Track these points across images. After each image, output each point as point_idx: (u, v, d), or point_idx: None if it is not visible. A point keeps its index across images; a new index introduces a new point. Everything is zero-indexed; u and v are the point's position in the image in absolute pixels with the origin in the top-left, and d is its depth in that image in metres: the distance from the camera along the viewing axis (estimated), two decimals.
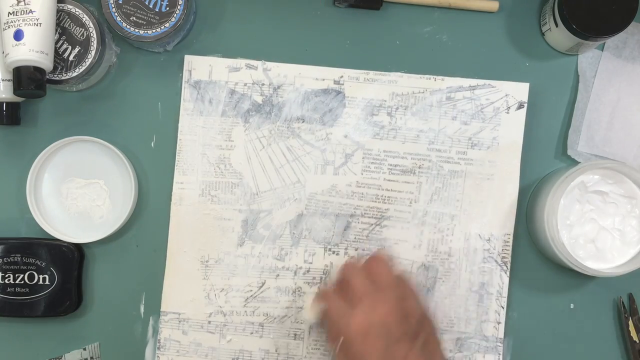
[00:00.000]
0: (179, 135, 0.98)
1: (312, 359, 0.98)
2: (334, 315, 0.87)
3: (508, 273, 0.98)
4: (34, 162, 0.95)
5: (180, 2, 0.92)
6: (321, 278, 0.98)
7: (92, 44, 0.93)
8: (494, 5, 0.99)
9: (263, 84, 0.98)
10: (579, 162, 0.98)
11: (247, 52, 0.99)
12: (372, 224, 0.98)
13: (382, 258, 0.90)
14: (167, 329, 0.98)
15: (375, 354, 0.81)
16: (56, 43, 0.93)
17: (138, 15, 0.92)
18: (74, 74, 0.93)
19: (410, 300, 0.86)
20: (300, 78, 0.98)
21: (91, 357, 0.99)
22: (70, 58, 0.93)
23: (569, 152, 0.99)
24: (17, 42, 0.88)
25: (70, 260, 0.96)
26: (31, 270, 0.96)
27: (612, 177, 0.96)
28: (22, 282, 0.96)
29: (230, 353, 0.98)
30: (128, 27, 0.92)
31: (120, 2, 0.92)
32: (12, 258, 0.96)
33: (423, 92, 0.98)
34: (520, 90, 0.98)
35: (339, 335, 0.84)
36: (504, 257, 0.98)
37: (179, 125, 0.98)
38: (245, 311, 0.98)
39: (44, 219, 0.96)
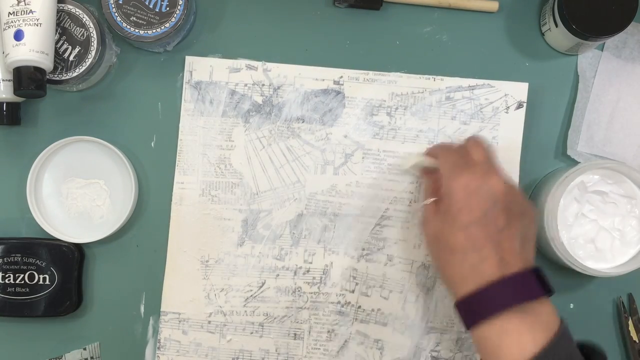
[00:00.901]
0: (179, 135, 0.98)
1: (312, 359, 0.98)
2: (447, 166, 0.87)
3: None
4: (34, 162, 0.95)
5: (181, 2, 0.92)
6: (321, 278, 0.98)
7: (92, 44, 0.93)
8: (494, 5, 0.99)
9: (263, 85, 0.98)
10: (579, 162, 0.98)
11: (247, 52, 0.99)
12: (372, 224, 0.98)
13: (482, 144, 0.90)
14: (167, 329, 0.98)
15: (475, 213, 0.82)
16: (56, 43, 0.93)
17: (138, 15, 0.92)
18: (74, 74, 0.93)
19: (516, 189, 0.87)
20: (300, 78, 0.98)
21: (91, 357, 0.99)
22: (71, 58, 0.93)
23: (569, 152, 0.99)
24: (18, 42, 0.88)
25: (70, 260, 0.96)
26: (31, 270, 0.96)
27: (612, 177, 0.96)
28: (23, 282, 0.96)
29: (230, 353, 0.98)
30: (128, 27, 0.92)
31: (121, 2, 0.92)
32: (12, 258, 0.96)
33: (422, 92, 0.98)
34: (519, 90, 0.98)
35: (441, 190, 0.86)
36: None
37: (180, 125, 0.98)
38: (245, 311, 0.98)
39: (44, 219, 0.96)
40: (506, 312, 0.79)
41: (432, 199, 0.89)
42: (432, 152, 0.94)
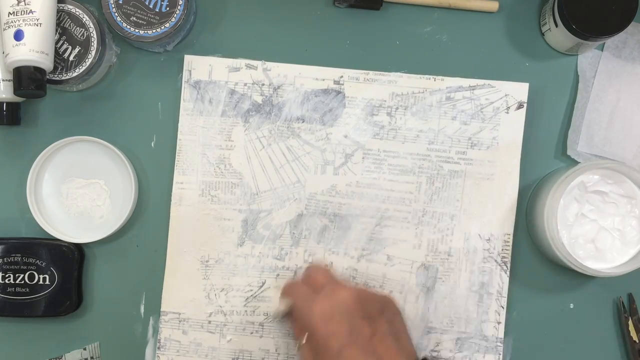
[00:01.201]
0: (178, 135, 0.98)
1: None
2: (298, 303, 0.87)
3: (508, 273, 0.98)
4: (34, 162, 0.95)
5: (181, 2, 0.92)
6: None
7: (92, 44, 0.93)
8: (494, 5, 0.99)
9: (263, 84, 0.98)
10: (579, 162, 0.98)
11: (247, 52, 0.99)
12: (372, 224, 0.98)
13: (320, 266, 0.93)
14: (167, 329, 0.98)
15: (340, 335, 0.80)
16: (56, 43, 0.93)
17: (138, 15, 0.92)
18: (74, 74, 0.93)
19: (368, 290, 0.87)
20: (300, 78, 0.98)
21: (91, 357, 0.99)
22: (71, 58, 0.93)
23: (569, 152, 0.99)
24: (18, 42, 0.88)
25: (70, 260, 0.96)
26: (31, 270, 0.96)
27: (612, 177, 0.96)
28: (23, 282, 0.96)
29: (230, 353, 0.98)
30: (128, 27, 0.92)
31: (121, 2, 0.92)
32: (12, 258, 0.96)
33: (423, 92, 0.98)
34: (519, 90, 0.98)
35: (304, 326, 0.84)
36: (503, 257, 0.98)
37: (179, 125, 0.98)
38: (246, 311, 0.98)
39: (44, 219, 0.96)
40: None
41: (304, 337, 0.84)
42: (285, 293, 0.93)
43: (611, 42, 1.00)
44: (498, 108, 0.98)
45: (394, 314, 0.85)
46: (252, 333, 0.98)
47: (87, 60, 0.93)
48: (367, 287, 0.90)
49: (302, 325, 0.85)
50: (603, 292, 1.00)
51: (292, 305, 0.89)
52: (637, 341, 0.98)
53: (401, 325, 0.85)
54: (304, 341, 0.84)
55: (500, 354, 0.98)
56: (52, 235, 0.96)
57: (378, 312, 0.83)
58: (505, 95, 0.98)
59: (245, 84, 0.98)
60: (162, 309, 0.98)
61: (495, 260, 0.98)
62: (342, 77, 0.98)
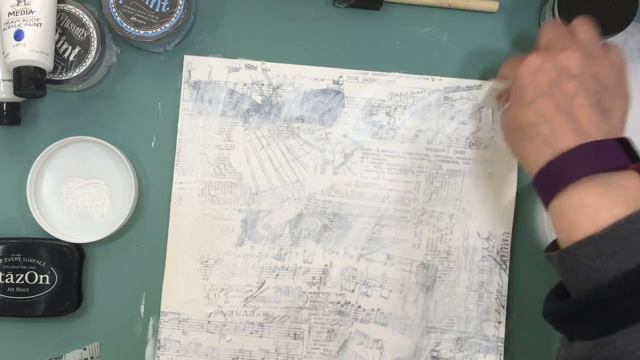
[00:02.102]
0: (178, 135, 0.98)
1: (312, 358, 0.98)
2: (510, 67, 0.84)
3: (507, 271, 0.98)
4: (34, 162, 0.95)
5: (181, 2, 0.92)
6: (321, 278, 0.98)
7: (92, 44, 0.93)
8: (494, 5, 0.99)
9: (262, 84, 0.98)
10: None
11: (248, 52, 0.99)
12: (371, 223, 0.98)
13: (589, 22, 0.84)
14: (167, 329, 0.98)
15: (540, 86, 0.77)
16: (56, 43, 0.93)
17: (138, 15, 0.93)
18: (74, 74, 0.93)
19: (605, 62, 0.80)
20: (300, 78, 0.98)
21: (91, 357, 0.99)
22: (71, 58, 0.93)
23: None
24: (17, 42, 0.88)
25: (70, 260, 0.96)
26: (31, 270, 0.96)
27: None
28: (22, 282, 0.96)
29: (230, 353, 0.98)
30: (128, 27, 0.93)
31: (121, 2, 0.92)
32: (12, 258, 0.96)
33: (421, 92, 0.98)
34: None
35: (512, 83, 0.81)
36: (502, 256, 0.98)
37: (179, 125, 0.98)
38: (245, 311, 0.98)
39: (44, 219, 0.96)
40: (584, 182, 0.72)
41: (507, 104, 0.83)
42: (504, 66, 0.92)
43: (611, 42, 0.99)
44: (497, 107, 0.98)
45: (616, 94, 0.80)
46: (251, 333, 0.98)
47: (87, 60, 0.93)
48: (619, 55, 0.82)
49: (511, 83, 0.82)
50: None
51: (508, 72, 0.86)
52: None
53: (620, 106, 0.80)
54: (507, 106, 0.82)
55: (501, 354, 0.98)
56: (52, 235, 0.96)
57: (597, 84, 0.78)
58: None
59: (244, 84, 0.98)
60: (161, 309, 0.98)
61: (495, 259, 0.98)
62: (341, 77, 0.98)
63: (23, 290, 0.96)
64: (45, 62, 0.89)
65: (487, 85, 0.97)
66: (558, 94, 0.77)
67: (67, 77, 0.93)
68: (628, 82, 0.82)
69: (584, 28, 0.83)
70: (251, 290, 0.98)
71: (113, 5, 0.93)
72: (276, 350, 0.98)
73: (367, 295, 0.98)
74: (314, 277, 0.98)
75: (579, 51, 0.79)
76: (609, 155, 0.73)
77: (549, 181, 0.75)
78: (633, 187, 0.72)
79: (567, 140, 0.75)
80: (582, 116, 0.76)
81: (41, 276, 0.96)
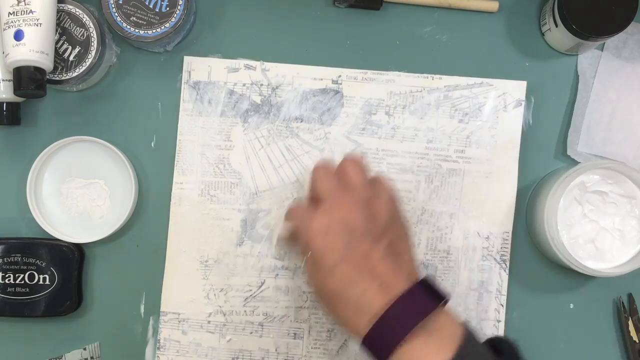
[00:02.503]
0: (178, 135, 0.98)
1: (312, 358, 0.98)
2: (298, 222, 0.84)
3: (507, 271, 0.98)
4: (34, 162, 0.96)
5: (181, 2, 0.93)
6: None
7: (92, 44, 0.93)
8: (494, 5, 0.99)
9: (262, 84, 0.98)
10: (579, 162, 0.98)
11: (248, 53, 0.99)
12: None
13: (355, 159, 0.86)
14: (167, 329, 0.98)
15: (336, 250, 0.78)
16: (56, 43, 0.93)
17: (138, 15, 0.93)
18: (74, 74, 0.93)
19: (380, 201, 0.82)
20: (299, 78, 0.98)
21: (91, 357, 0.99)
22: (71, 58, 0.93)
23: (569, 152, 0.99)
24: (18, 42, 0.88)
25: (70, 260, 0.96)
26: (31, 270, 0.96)
27: (612, 177, 0.96)
28: (23, 282, 0.96)
29: (230, 353, 0.98)
30: (128, 27, 0.93)
31: (121, 2, 0.93)
32: (12, 258, 0.96)
33: (421, 91, 0.98)
34: (517, 88, 0.98)
35: (304, 245, 0.81)
36: (502, 255, 0.98)
37: (178, 125, 0.98)
38: (245, 311, 0.98)
39: (44, 219, 0.96)
40: (407, 339, 0.74)
41: (305, 257, 0.82)
42: (287, 216, 0.92)
43: (611, 42, 0.99)
44: (496, 106, 0.98)
45: (399, 235, 0.83)
46: (251, 333, 0.98)
47: (87, 60, 0.93)
48: (385, 184, 0.85)
49: (303, 245, 0.82)
50: (603, 292, 0.99)
51: (294, 227, 0.87)
52: (637, 341, 0.97)
53: (405, 244, 0.83)
54: (304, 262, 0.81)
55: None
56: (52, 235, 0.96)
57: (381, 231, 0.80)
58: (504, 93, 0.98)
59: (244, 85, 0.98)
60: (161, 309, 0.98)
61: (494, 259, 0.98)
62: (340, 76, 0.98)
63: (23, 290, 0.96)
64: (45, 62, 0.90)
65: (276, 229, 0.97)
66: (354, 256, 0.78)
67: (67, 77, 0.93)
68: (401, 210, 0.86)
69: (354, 172, 0.84)
70: (251, 290, 0.98)
71: (113, 5, 0.93)
72: (276, 350, 0.98)
73: None
74: None
75: (358, 206, 0.81)
76: (419, 306, 0.76)
77: (376, 348, 0.77)
78: (448, 326, 0.76)
79: (377, 300, 0.76)
80: (382, 271, 0.78)
81: (41, 276, 0.96)
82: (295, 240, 0.90)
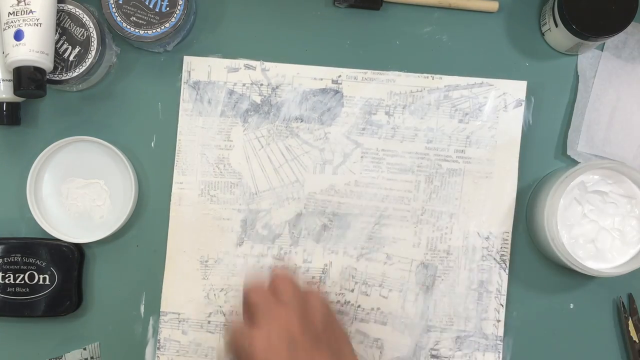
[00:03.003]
0: (178, 135, 0.98)
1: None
2: (236, 340, 0.83)
3: (507, 271, 0.98)
4: (34, 162, 0.96)
5: (181, 2, 0.93)
6: (320, 277, 0.98)
7: (92, 44, 0.93)
8: (494, 5, 0.99)
9: (261, 84, 0.98)
10: (579, 162, 0.98)
11: (248, 53, 0.99)
12: (371, 223, 0.98)
13: (285, 274, 0.87)
14: (167, 329, 0.98)
15: (281, 357, 0.78)
16: (56, 43, 0.93)
17: (138, 15, 0.93)
18: (74, 74, 0.93)
19: (314, 309, 0.83)
20: (299, 78, 0.98)
21: (91, 357, 0.99)
22: (71, 58, 0.93)
23: (569, 152, 0.99)
24: (18, 42, 0.88)
25: (70, 260, 0.96)
26: (31, 270, 0.96)
27: (612, 177, 0.96)
28: (22, 282, 0.96)
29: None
30: (128, 27, 0.93)
31: (121, 2, 0.93)
32: (12, 258, 0.96)
33: (421, 91, 0.98)
34: (517, 88, 0.98)
35: None
36: (502, 255, 0.98)
37: (178, 125, 0.98)
38: None
39: (44, 219, 0.96)
40: None
41: None
42: (227, 330, 0.90)
43: (611, 42, 0.99)
44: (496, 106, 0.98)
45: (339, 338, 0.84)
46: None
47: (87, 60, 0.93)
48: (315, 293, 0.86)
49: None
50: (603, 292, 0.99)
51: (234, 346, 0.84)
52: (637, 341, 0.97)
53: (347, 348, 0.84)
54: None
55: (500, 352, 0.98)
56: (52, 235, 0.96)
57: (320, 334, 0.81)
58: (504, 93, 0.98)
59: (244, 84, 0.98)
60: (161, 309, 0.98)
61: (494, 259, 0.98)
62: (340, 76, 0.98)
63: (23, 290, 0.96)
64: (45, 62, 0.90)
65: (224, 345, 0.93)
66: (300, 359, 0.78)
67: (67, 77, 0.93)
68: (337, 316, 0.88)
69: (285, 285, 0.84)
70: None
71: (113, 5, 0.93)
72: None
73: (367, 295, 0.98)
74: (313, 277, 0.98)
75: (295, 314, 0.81)
76: None
77: None
78: None
79: None
80: None
81: (41, 276, 0.96)
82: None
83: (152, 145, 0.99)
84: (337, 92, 0.98)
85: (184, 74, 0.98)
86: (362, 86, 0.98)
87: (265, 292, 0.85)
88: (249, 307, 0.84)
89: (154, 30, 0.93)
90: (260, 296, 0.84)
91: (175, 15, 0.93)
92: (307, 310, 0.83)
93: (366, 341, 0.98)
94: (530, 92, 0.99)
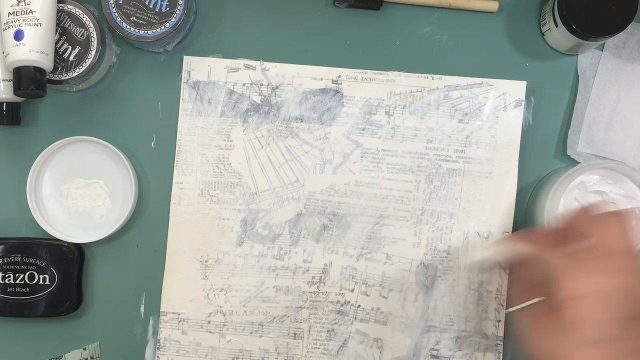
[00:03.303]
0: (178, 135, 0.98)
1: (312, 358, 0.98)
2: (552, 263, 0.70)
3: (507, 271, 0.98)
4: (34, 162, 0.95)
5: (181, 2, 0.93)
6: (320, 277, 0.98)
7: (92, 44, 0.93)
8: (494, 5, 0.99)
9: (261, 84, 0.98)
10: (579, 162, 0.98)
11: (248, 53, 0.99)
12: (371, 223, 0.98)
13: (624, 219, 0.73)
14: (167, 329, 0.98)
15: (606, 324, 0.64)
16: (56, 43, 0.93)
17: (138, 15, 0.93)
18: (74, 74, 0.93)
19: None
20: (299, 78, 0.98)
21: (91, 357, 0.99)
22: (71, 58, 0.93)
23: (569, 152, 0.99)
24: (17, 42, 0.88)
25: (70, 260, 0.96)
26: (31, 270, 0.96)
27: (612, 177, 0.96)
28: (22, 282, 0.96)
29: (230, 353, 0.98)
30: (128, 27, 0.93)
31: (121, 2, 0.93)
32: (12, 258, 0.96)
33: (421, 91, 0.98)
34: (517, 88, 0.98)
35: (555, 293, 0.68)
36: None
37: (178, 125, 0.98)
38: (245, 311, 0.98)
39: (44, 219, 0.96)
40: None
41: (536, 299, 0.70)
42: (528, 238, 0.78)
43: (611, 42, 0.99)
44: (496, 106, 0.98)
45: None
46: (251, 333, 0.98)
47: (87, 60, 0.93)
48: None
49: (535, 285, 0.71)
50: None
51: (541, 260, 0.72)
52: None
53: None
54: (534, 302, 0.70)
55: (500, 353, 0.98)
56: (52, 235, 0.96)
57: None
58: (503, 93, 0.98)
59: (243, 84, 0.98)
60: (161, 309, 0.98)
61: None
62: (340, 76, 0.98)
63: (23, 290, 0.96)
64: (45, 62, 0.90)
65: (487, 247, 0.93)
66: (627, 341, 0.64)
67: (67, 77, 0.93)
68: None
69: (629, 232, 0.71)
70: (251, 290, 0.98)
71: (113, 5, 0.93)
72: (276, 350, 0.98)
73: (367, 295, 0.98)
74: (313, 277, 0.98)
75: (632, 272, 0.68)
76: None
77: None
78: None
79: None
80: None
81: (41, 276, 0.96)
82: (521, 265, 0.77)
83: (152, 145, 0.99)
84: (337, 92, 0.98)
85: (184, 74, 0.98)
86: (362, 86, 0.98)
87: (596, 226, 0.72)
88: (569, 231, 0.72)
89: (154, 30, 0.93)
90: (591, 229, 0.71)
91: (175, 15, 0.93)
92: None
93: (366, 341, 0.98)
94: (530, 92, 0.99)
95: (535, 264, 0.74)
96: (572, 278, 0.68)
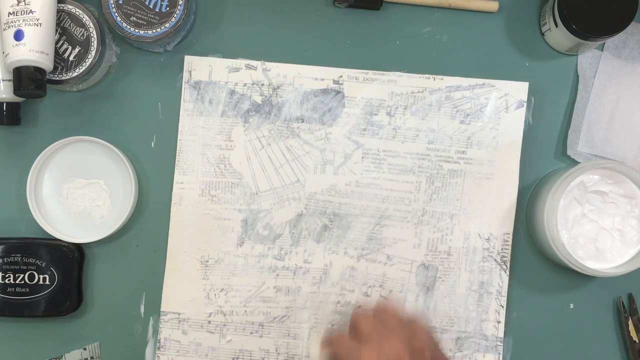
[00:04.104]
0: (179, 135, 0.98)
1: (312, 358, 0.98)
2: (341, 350, 0.86)
3: (507, 272, 0.98)
4: (34, 162, 0.95)
5: (181, 2, 0.92)
6: (321, 277, 0.98)
7: (92, 44, 0.93)
8: (494, 5, 0.99)
9: (262, 84, 0.98)
10: (579, 162, 0.98)
11: (248, 53, 0.99)
12: (371, 224, 0.98)
13: (390, 306, 0.89)
14: (167, 329, 0.98)
15: None
16: (56, 43, 0.93)
17: (138, 15, 0.92)
18: (74, 74, 0.93)
19: (421, 339, 0.85)
20: (300, 78, 0.98)
21: (91, 357, 0.99)
22: (71, 58, 0.93)
23: (569, 152, 0.99)
24: (18, 42, 0.88)
25: (70, 260, 0.96)
26: (31, 270, 0.96)
27: (612, 177, 0.96)
28: (22, 282, 0.96)
29: (230, 353, 0.98)
30: (128, 27, 0.93)
31: (121, 2, 0.92)
32: (12, 258, 0.96)
33: (422, 92, 0.98)
34: (519, 90, 0.98)
35: None
36: (503, 257, 0.98)
37: (179, 125, 0.98)
38: (245, 311, 0.98)
39: (44, 219, 0.96)
40: None
41: None
42: (327, 344, 0.92)
43: (611, 42, 0.99)
44: (498, 107, 0.98)
45: (437, 356, 0.85)
46: (251, 333, 0.98)
47: (87, 60, 0.93)
48: (420, 322, 0.88)
49: None
50: (603, 292, 1.00)
51: (337, 356, 0.87)
52: (637, 341, 0.98)
53: None
54: None
55: (500, 354, 0.98)
56: (52, 235, 0.96)
57: (428, 355, 0.83)
58: (505, 94, 0.98)
59: (244, 84, 0.98)
60: (161, 309, 0.98)
61: (495, 260, 0.98)
62: (341, 76, 0.98)
63: (23, 290, 0.96)
64: (45, 62, 0.89)
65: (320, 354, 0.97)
66: None
67: (67, 77, 0.93)
68: (439, 346, 0.90)
69: (392, 314, 0.88)
70: (251, 290, 0.98)
71: (113, 5, 0.92)
72: (276, 350, 0.98)
73: (367, 295, 0.98)
74: (314, 277, 0.98)
75: (402, 342, 0.83)
76: None
77: None
78: None
79: None
80: None
81: (41, 276, 0.96)
82: None
83: (152, 145, 0.99)
84: (338, 92, 0.98)
85: (185, 74, 0.98)
86: (364, 87, 0.98)
87: (374, 320, 0.87)
88: (356, 328, 0.87)
89: (154, 30, 0.93)
90: (367, 320, 0.86)
91: (175, 15, 0.93)
92: (414, 341, 0.84)
93: None
94: (530, 92, 0.99)
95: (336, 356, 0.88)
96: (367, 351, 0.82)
